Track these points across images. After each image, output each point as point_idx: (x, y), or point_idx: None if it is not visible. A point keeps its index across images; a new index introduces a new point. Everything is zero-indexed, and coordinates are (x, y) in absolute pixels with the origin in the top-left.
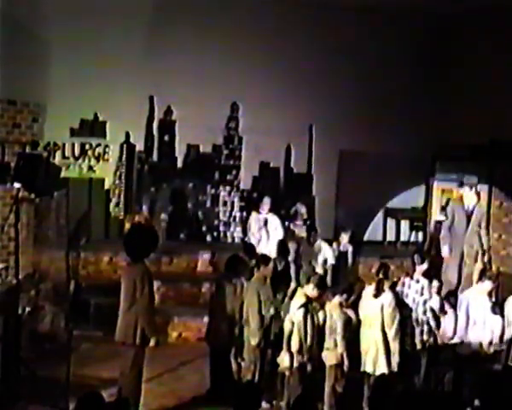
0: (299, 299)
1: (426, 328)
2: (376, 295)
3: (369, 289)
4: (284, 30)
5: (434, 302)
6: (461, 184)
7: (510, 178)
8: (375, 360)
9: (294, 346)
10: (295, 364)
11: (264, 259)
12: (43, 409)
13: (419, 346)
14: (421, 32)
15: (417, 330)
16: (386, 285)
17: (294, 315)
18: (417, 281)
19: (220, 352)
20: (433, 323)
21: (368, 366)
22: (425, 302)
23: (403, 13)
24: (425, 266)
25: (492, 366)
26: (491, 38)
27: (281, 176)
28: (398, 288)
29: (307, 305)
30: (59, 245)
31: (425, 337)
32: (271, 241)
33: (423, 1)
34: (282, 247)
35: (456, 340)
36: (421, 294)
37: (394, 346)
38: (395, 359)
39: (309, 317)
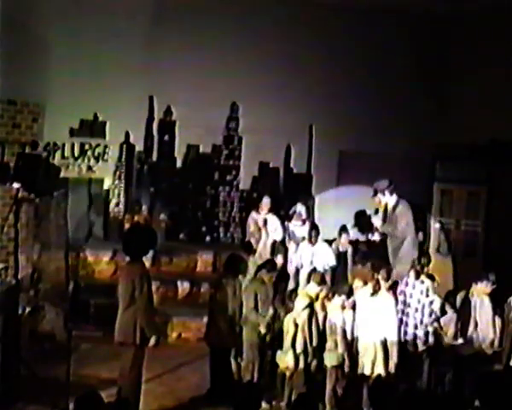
0: (302, 300)
1: (430, 329)
2: (374, 295)
3: (367, 290)
4: (284, 30)
5: (436, 303)
6: (375, 193)
7: (510, 178)
8: (373, 361)
9: (299, 347)
10: (301, 365)
11: (271, 265)
12: (43, 409)
13: (422, 347)
14: (421, 32)
15: (421, 332)
16: (386, 286)
17: (299, 316)
18: (422, 282)
19: (220, 352)
20: (437, 324)
21: (366, 368)
22: (431, 303)
23: (403, 13)
24: (431, 267)
25: (492, 367)
26: (491, 38)
27: (281, 176)
28: (401, 287)
29: (311, 305)
30: (59, 245)
31: (430, 339)
32: (271, 241)
33: (423, 1)
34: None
35: (459, 341)
36: (427, 295)
37: (392, 347)
38: (393, 360)
39: (313, 318)
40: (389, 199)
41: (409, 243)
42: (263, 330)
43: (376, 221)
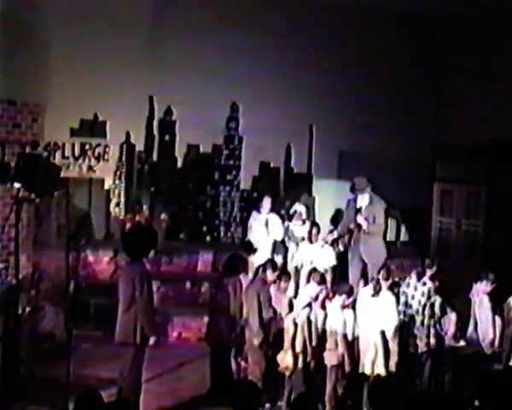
0: (302, 299)
1: (432, 331)
2: (374, 296)
3: (368, 290)
4: (284, 30)
5: (438, 305)
6: (352, 188)
7: (510, 178)
8: (373, 361)
9: (299, 346)
10: (300, 364)
11: (273, 265)
12: (42, 409)
13: (423, 348)
14: (421, 32)
15: (423, 333)
16: (386, 286)
17: (298, 316)
18: (424, 283)
19: (220, 352)
20: (439, 326)
21: (366, 367)
22: (432, 305)
23: (403, 13)
24: (434, 269)
25: (492, 367)
26: (491, 38)
27: (281, 176)
28: (403, 288)
29: (311, 305)
30: (59, 245)
31: (431, 341)
32: (272, 240)
33: (423, 1)
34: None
35: (460, 343)
36: (429, 297)
37: (393, 347)
38: (394, 359)
39: (313, 317)
40: (365, 197)
41: (381, 241)
42: (257, 342)
43: (361, 220)
